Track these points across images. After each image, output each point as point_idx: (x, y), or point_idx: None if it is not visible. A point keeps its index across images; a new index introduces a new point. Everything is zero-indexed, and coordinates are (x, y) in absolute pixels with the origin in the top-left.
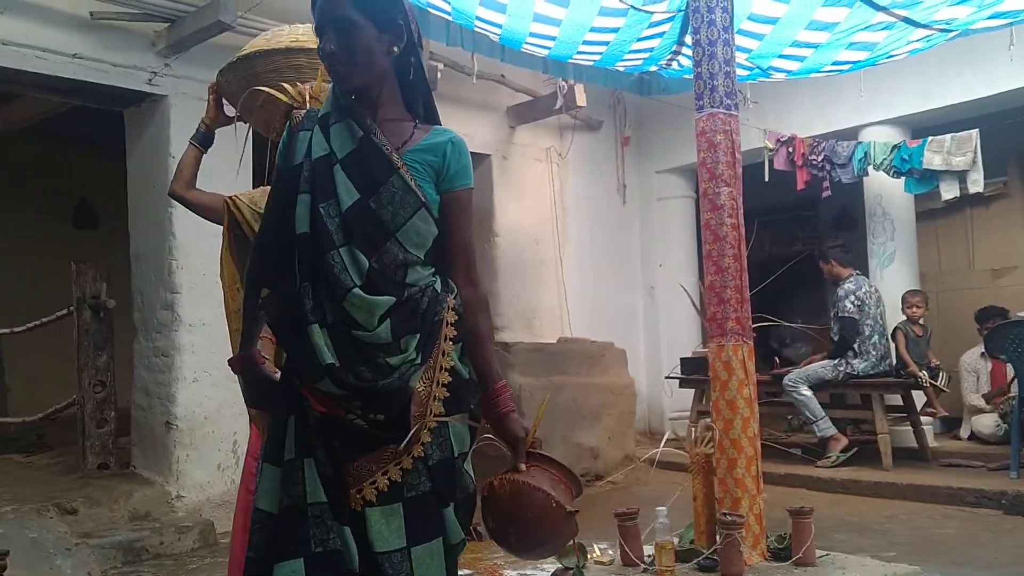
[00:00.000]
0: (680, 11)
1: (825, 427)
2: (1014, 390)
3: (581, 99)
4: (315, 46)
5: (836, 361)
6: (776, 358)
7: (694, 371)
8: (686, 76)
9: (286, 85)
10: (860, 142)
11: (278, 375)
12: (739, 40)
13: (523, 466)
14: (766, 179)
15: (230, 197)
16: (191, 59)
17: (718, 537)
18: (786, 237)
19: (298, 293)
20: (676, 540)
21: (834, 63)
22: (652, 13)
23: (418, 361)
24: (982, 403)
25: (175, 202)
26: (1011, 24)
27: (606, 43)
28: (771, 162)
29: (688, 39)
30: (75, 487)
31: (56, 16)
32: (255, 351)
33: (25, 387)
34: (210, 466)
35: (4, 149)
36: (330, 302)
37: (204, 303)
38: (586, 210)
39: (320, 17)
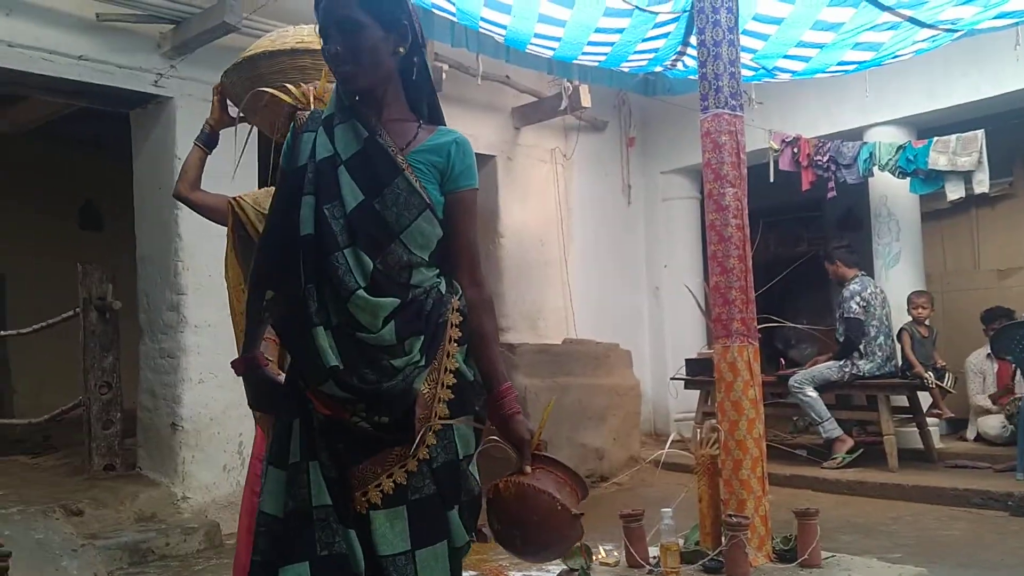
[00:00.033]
0: (685, 12)
1: (831, 428)
2: (1020, 390)
3: (586, 100)
4: (320, 47)
5: (842, 362)
6: (781, 359)
7: (699, 372)
8: (691, 77)
9: (289, 86)
10: (865, 142)
11: (281, 377)
12: (744, 40)
13: (528, 468)
14: (771, 180)
15: (234, 198)
16: (196, 61)
17: (723, 538)
18: (791, 238)
19: (302, 295)
20: (681, 541)
21: (839, 63)
22: (657, 14)
23: (422, 363)
24: (988, 404)
25: (180, 203)
26: (1017, 24)
27: (611, 44)
28: (776, 163)
29: (693, 39)
30: (81, 488)
31: (62, 18)
32: (258, 353)
33: (31, 388)
34: (216, 467)
35: (10, 151)
36: (334, 304)
37: (210, 304)
38: (591, 211)
39: (324, 18)
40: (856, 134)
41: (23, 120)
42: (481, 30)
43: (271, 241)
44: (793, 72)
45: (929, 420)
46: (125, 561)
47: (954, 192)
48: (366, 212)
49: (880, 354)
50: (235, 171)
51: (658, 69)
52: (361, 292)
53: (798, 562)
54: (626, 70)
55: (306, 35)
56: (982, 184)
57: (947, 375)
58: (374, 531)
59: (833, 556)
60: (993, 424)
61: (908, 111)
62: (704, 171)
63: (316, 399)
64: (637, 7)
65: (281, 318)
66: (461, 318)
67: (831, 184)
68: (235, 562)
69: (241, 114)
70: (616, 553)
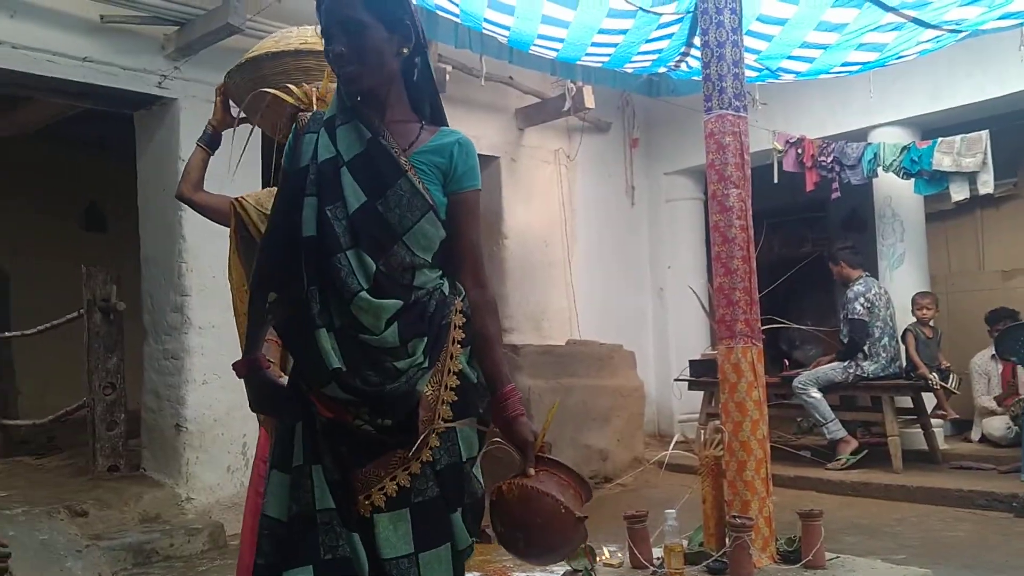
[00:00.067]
0: (689, 12)
1: (835, 429)
2: None
3: (590, 101)
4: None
5: (846, 363)
6: (786, 360)
7: (703, 373)
8: (695, 78)
9: (292, 86)
10: (870, 143)
11: (283, 380)
12: (748, 41)
13: (532, 471)
14: (775, 181)
15: (236, 199)
16: (200, 62)
17: (727, 540)
18: (795, 239)
19: (305, 297)
20: (685, 543)
21: (843, 64)
22: (661, 15)
23: (426, 365)
24: (993, 405)
25: (184, 205)
26: (1021, 24)
27: (614, 45)
28: (780, 164)
29: (697, 40)
30: (85, 489)
31: (66, 20)
32: (259, 355)
33: (36, 389)
34: (220, 468)
35: (14, 152)
36: (337, 306)
37: (214, 306)
38: (595, 212)
39: (327, 19)
40: (860, 135)
41: (27, 121)
42: (485, 31)
43: (273, 242)
44: (797, 73)
45: (933, 421)
46: (129, 562)
47: (959, 193)
48: (369, 213)
49: (884, 355)
50: (235, 170)
51: (662, 70)
52: (364, 294)
53: (802, 563)
54: (630, 71)
55: (310, 36)
56: (987, 185)
57: (951, 376)
58: (377, 534)
59: (837, 557)
60: (998, 425)
61: (912, 112)
62: (708, 172)
63: (319, 402)
64: (641, 8)
65: (283, 320)
66: (464, 319)
67: (835, 185)
68: (239, 563)
69: (243, 114)
70: (620, 554)
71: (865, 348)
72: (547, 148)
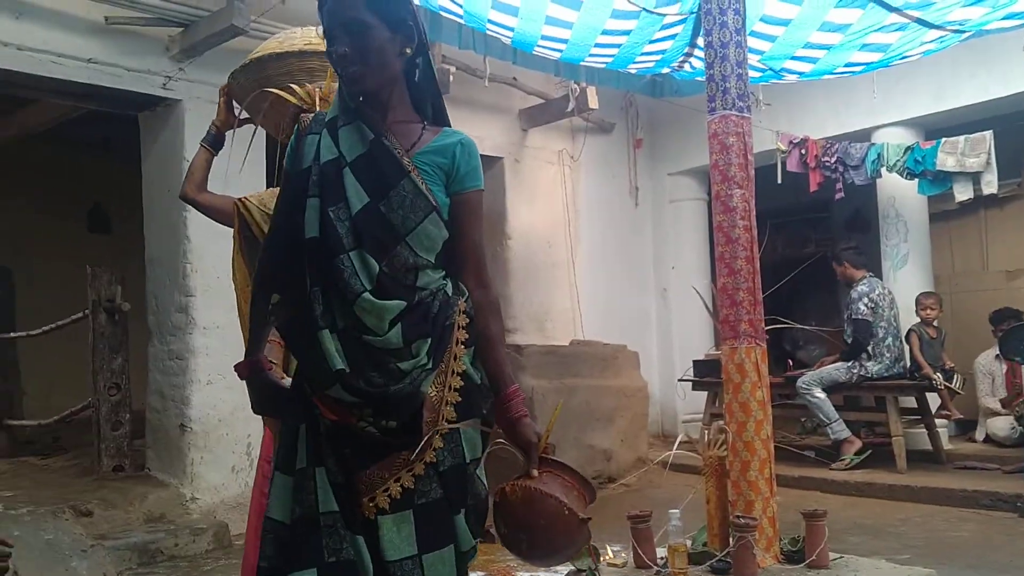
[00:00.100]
0: (692, 13)
1: (839, 429)
2: None
3: (593, 102)
4: None
5: (850, 363)
6: (789, 360)
7: (707, 373)
8: (698, 78)
9: (294, 86)
10: (873, 144)
11: (285, 381)
12: (751, 42)
13: (535, 472)
14: (779, 181)
15: (240, 199)
16: (205, 63)
17: (731, 540)
18: (799, 239)
19: (308, 298)
20: (689, 543)
21: (847, 64)
22: (664, 15)
23: (429, 366)
24: (997, 405)
25: (188, 205)
26: None
27: (618, 45)
28: (784, 164)
29: (700, 41)
30: (90, 489)
31: (71, 21)
32: (261, 356)
33: (41, 390)
34: (224, 468)
35: (19, 153)
36: (340, 307)
37: (218, 306)
38: (598, 212)
39: (329, 19)
40: (864, 135)
41: (32, 123)
42: (488, 32)
43: (275, 244)
44: (801, 73)
45: (938, 421)
46: (134, 561)
47: (962, 193)
48: (372, 214)
49: (888, 355)
50: (241, 170)
51: (665, 71)
52: (367, 295)
53: (806, 563)
54: (633, 72)
55: (313, 37)
56: (991, 185)
57: (956, 376)
58: (381, 536)
59: (841, 557)
60: (1002, 425)
61: (916, 112)
62: (711, 173)
63: (322, 404)
64: (644, 9)
65: (286, 321)
66: (468, 320)
67: (839, 185)
68: (244, 563)
69: (246, 115)
70: (624, 554)
71: (869, 348)
72: (551, 149)
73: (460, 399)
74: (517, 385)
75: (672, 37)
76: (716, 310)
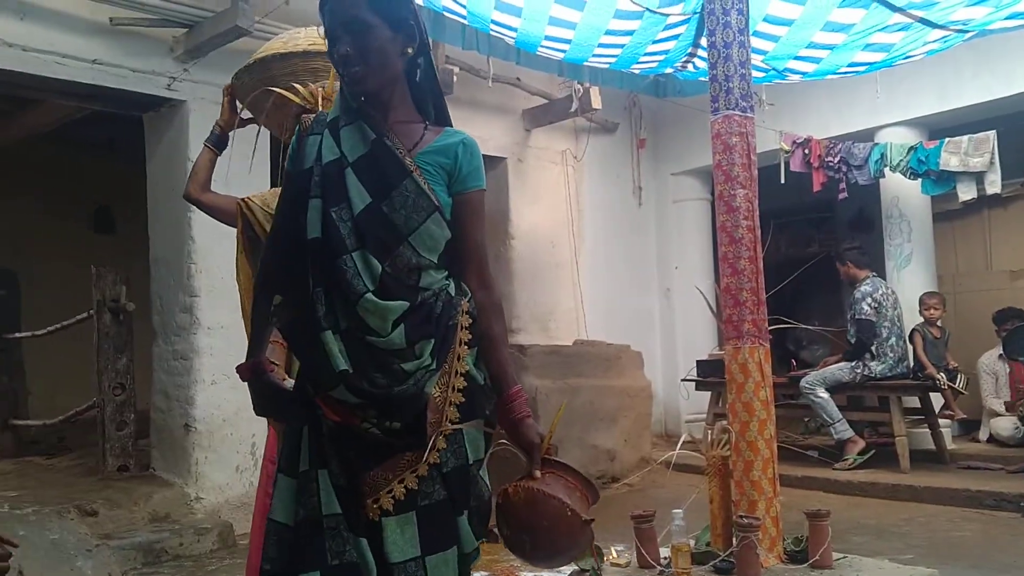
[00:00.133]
0: (695, 13)
1: (842, 429)
2: None
3: (596, 102)
4: None
5: (853, 363)
6: (793, 360)
7: (710, 373)
8: (701, 78)
9: (297, 86)
10: (876, 143)
11: (287, 383)
12: (755, 42)
13: (538, 473)
14: (782, 181)
15: (243, 199)
16: (209, 64)
17: (734, 540)
18: (802, 239)
19: (310, 299)
20: (692, 542)
21: (850, 64)
22: (667, 15)
23: (433, 367)
24: (1001, 408)
25: (192, 206)
26: None
27: (621, 46)
28: (787, 164)
29: (703, 41)
30: (95, 489)
31: (76, 22)
32: (263, 358)
33: (46, 390)
34: (228, 468)
35: (24, 154)
36: (343, 307)
37: (222, 306)
38: (602, 212)
39: (331, 19)
40: (867, 135)
41: (37, 124)
42: (492, 33)
43: (277, 244)
44: (804, 73)
45: (941, 421)
46: (139, 561)
47: (966, 193)
48: (374, 214)
49: (892, 355)
50: (250, 170)
51: (669, 71)
52: (370, 295)
53: (809, 563)
54: (637, 72)
55: (318, 37)
56: (994, 185)
57: (959, 376)
58: (385, 538)
59: (845, 557)
60: (1005, 425)
61: (919, 112)
62: (715, 172)
63: (325, 405)
64: (648, 9)
65: (289, 322)
66: (471, 320)
67: (842, 185)
68: (248, 562)
69: (249, 114)
70: (627, 554)
71: (872, 348)
72: (554, 149)
73: (463, 400)
74: (520, 386)
75: (675, 37)
76: (719, 310)
